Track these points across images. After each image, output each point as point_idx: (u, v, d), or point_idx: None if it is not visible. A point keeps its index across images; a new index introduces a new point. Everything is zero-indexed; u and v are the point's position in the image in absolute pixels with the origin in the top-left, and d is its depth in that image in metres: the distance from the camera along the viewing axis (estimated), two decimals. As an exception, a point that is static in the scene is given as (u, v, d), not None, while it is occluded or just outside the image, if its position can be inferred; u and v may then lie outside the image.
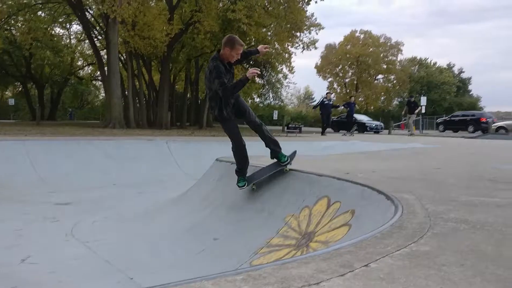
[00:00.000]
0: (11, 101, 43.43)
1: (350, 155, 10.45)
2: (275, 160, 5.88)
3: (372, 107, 58.37)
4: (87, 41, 37.69)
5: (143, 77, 32.28)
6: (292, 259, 2.01)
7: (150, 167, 11.56)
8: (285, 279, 1.68)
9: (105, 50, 29.07)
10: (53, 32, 35.59)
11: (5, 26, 31.00)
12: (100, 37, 31.83)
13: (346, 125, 26.07)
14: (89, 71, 47.26)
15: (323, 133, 22.30)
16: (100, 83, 48.78)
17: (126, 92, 29.44)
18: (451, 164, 8.01)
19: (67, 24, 38.64)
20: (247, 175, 5.82)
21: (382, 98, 61.43)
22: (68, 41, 42.97)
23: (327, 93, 22.43)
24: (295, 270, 1.80)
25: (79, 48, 43.61)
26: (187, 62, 34.52)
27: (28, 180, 9.81)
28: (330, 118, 23.26)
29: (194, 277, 1.74)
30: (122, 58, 31.01)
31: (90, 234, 6.31)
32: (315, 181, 5.33)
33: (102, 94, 56.17)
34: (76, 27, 39.63)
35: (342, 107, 26.64)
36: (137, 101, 30.27)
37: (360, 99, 57.51)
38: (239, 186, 5.73)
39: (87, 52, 42.61)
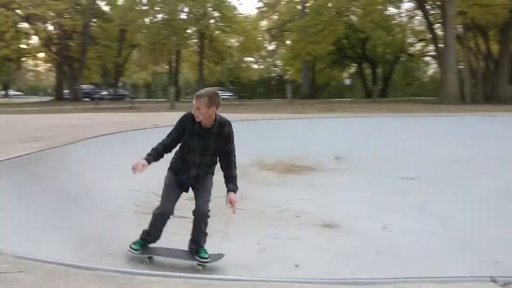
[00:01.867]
0: (348, 81, 47.42)
1: None
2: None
3: None
4: (417, 17, 37.48)
5: (478, 49, 29.98)
6: None
7: (494, 145, 10.67)
8: None
9: (438, 25, 28.29)
10: (386, 12, 36.80)
11: (346, 12, 33.88)
12: (433, 12, 31.12)
13: None
14: (419, 48, 47.00)
15: None
16: (429, 59, 47.97)
17: (461, 66, 27.97)
18: None
19: (399, 2, 39.28)
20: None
21: None
22: (399, 19, 43.72)
23: None
24: None
25: (409, 25, 43.83)
26: (533, 26, 30.08)
27: (373, 153, 10.43)
28: None
29: None
30: (457, 31, 29.53)
31: (442, 211, 6.35)
32: None
33: (431, 70, 55.08)
34: (408, 4, 39.89)
35: None
36: (473, 75, 28.37)
37: None
38: (131, 249, 4.17)
39: (418, 29, 42.38)
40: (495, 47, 30.31)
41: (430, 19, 28.71)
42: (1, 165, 4.58)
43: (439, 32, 27.69)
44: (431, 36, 28.40)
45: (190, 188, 4.28)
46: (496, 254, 4.55)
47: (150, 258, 4.22)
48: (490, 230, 5.39)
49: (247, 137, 10.23)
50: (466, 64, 26.79)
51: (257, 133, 10.48)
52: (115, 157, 6.54)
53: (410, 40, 46.40)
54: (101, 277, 2.28)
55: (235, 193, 4.11)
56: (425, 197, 7.10)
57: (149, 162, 4.04)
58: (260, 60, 55.42)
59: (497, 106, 20.42)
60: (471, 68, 27.93)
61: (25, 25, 34.89)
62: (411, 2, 34.43)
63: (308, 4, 37.03)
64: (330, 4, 31.98)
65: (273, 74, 60.26)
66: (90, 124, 9.80)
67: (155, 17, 37.55)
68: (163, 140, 4.26)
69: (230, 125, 4.17)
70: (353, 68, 53.55)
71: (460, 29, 27.54)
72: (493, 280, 1.86)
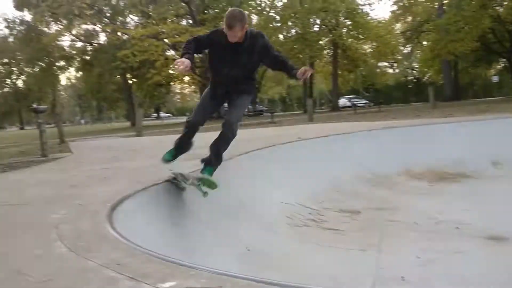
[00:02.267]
0: (495, 79, 43.30)
1: None
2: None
3: None
4: None
5: None
6: None
7: None
8: None
9: None
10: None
11: (491, 3, 31.11)
12: None
13: None
14: None
15: None
16: None
17: None
18: None
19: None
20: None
21: None
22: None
23: None
24: None
25: None
26: None
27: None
28: None
29: None
30: None
31: None
32: None
33: None
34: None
35: None
36: None
37: None
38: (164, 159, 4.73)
39: None
40: None
41: None
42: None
43: None
44: None
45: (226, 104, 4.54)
46: None
47: (174, 179, 4.61)
48: None
49: (392, 145, 9.93)
50: None
51: (402, 141, 10.07)
52: (265, 171, 6.80)
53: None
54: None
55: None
56: None
57: (191, 61, 4.07)
58: (395, 64, 53.48)
59: None
60: None
61: (172, 52, 38.21)
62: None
63: (446, 1, 34.83)
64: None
65: (410, 77, 57.72)
66: (237, 139, 10.34)
67: (289, 32, 38.46)
68: (192, 39, 4.33)
69: (263, 35, 4.32)
70: (501, 64, 48.88)
71: None
72: None
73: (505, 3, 30.68)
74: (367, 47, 41.06)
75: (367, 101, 40.46)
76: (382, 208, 6.89)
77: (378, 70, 51.50)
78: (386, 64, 52.26)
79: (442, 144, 9.93)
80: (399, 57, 48.74)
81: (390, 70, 56.80)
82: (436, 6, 36.76)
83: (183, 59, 3.96)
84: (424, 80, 53.42)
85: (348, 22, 37.41)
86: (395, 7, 40.65)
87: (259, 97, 51.64)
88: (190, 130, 4.48)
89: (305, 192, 6.88)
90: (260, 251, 4.56)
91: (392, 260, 4.70)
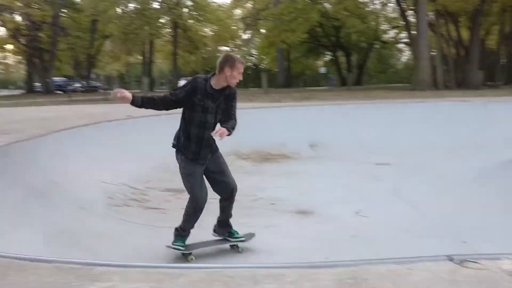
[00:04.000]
0: (323, 70, 47.61)
1: None
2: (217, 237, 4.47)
3: None
4: (391, 4, 37.76)
5: (450, 35, 30.44)
6: None
7: (465, 130, 10.87)
8: None
9: (411, 11, 28.56)
10: (360, -1, 36.99)
11: (319, 0, 33.93)
12: (405, -1, 31.46)
13: None
14: (393, 35, 47.48)
15: None
16: (402, 45, 48.49)
17: (434, 53, 28.36)
18: None
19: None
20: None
21: None
22: (373, 6, 43.98)
23: None
24: None
25: (383, 12, 44.18)
26: (502, 13, 30.60)
27: (348, 140, 10.48)
28: None
29: None
30: (429, 18, 29.88)
31: (413, 195, 6.46)
32: None
33: (404, 57, 55.74)
34: (381, -9, 40.10)
35: None
36: (445, 61, 28.82)
37: None
38: (176, 245, 4.09)
39: (391, 16, 42.73)
40: (465, 34, 30.81)
41: (402, 6, 28.99)
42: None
43: (412, 19, 27.97)
44: (404, 23, 28.68)
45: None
46: (464, 235, 4.66)
47: (192, 254, 4.14)
48: (459, 212, 5.50)
49: (223, 126, 10.25)
50: (438, 51, 27.19)
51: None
52: (88, 149, 6.45)
53: (384, 27, 46.79)
54: (60, 269, 2.25)
55: (228, 130, 3.83)
56: (398, 182, 7.22)
57: (134, 100, 3.77)
58: (236, 49, 55.17)
59: (468, 91, 20.83)
60: (443, 55, 28.36)
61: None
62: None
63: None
64: (304, -8, 32.00)
65: (249, 63, 60.11)
66: (63, 116, 9.61)
67: (127, 7, 36.89)
68: (168, 95, 3.94)
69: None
70: (328, 57, 53.77)
71: (432, 16, 27.91)
72: (450, 258, 1.91)
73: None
74: (208, 30, 41.51)
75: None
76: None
77: (219, 54, 52.47)
78: (227, 48, 53.59)
79: (267, 128, 10.54)
80: (239, 43, 50.40)
81: (231, 55, 58.40)
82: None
83: (128, 93, 3.76)
84: (261, 67, 56.14)
85: (189, 3, 37.32)
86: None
87: (95, 72, 48.79)
88: (200, 213, 4.05)
89: (131, 172, 6.72)
90: (71, 232, 4.31)
91: (208, 237, 4.86)
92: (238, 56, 4.10)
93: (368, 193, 6.61)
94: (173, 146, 4.10)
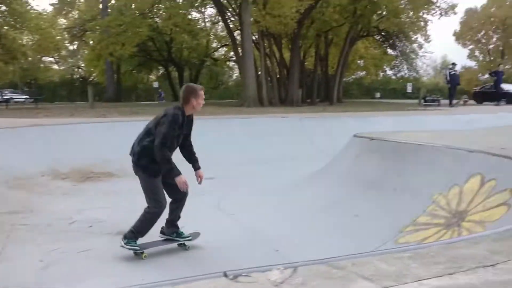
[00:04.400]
0: (155, 84, 47.26)
1: (499, 129, 9.58)
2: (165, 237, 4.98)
3: (523, 76, 52.28)
4: (220, 23, 39.29)
5: (274, 55, 32.85)
6: (459, 238, 1.93)
7: (284, 144, 11.76)
8: (455, 258, 1.62)
9: (238, 31, 30.07)
10: (190, 16, 37.70)
11: (150, 14, 33.64)
12: (233, 19, 33.01)
13: (492, 96, 24.05)
14: (223, 53, 49.43)
15: (450, 104, 22.14)
16: (233, 63, 50.76)
17: (259, 72, 30.26)
18: None
19: (202, 8, 40.64)
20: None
21: (536, 64, 54.63)
22: (203, 24, 45.26)
23: (452, 64, 23.15)
24: (465, 250, 1.73)
25: (213, 30, 45.75)
26: (317, 37, 34.26)
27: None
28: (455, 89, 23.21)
29: (348, 254, 1.77)
30: (254, 38, 31.85)
31: (234, 208, 6.70)
32: (464, 158, 5.01)
33: (236, 75, 58.43)
34: (210, 10, 41.47)
35: (489, 76, 25.20)
36: (269, 79, 30.95)
37: (507, 66, 51.81)
38: (128, 245, 4.57)
39: (221, 34, 44.47)
40: (287, 55, 33.62)
41: (230, 26, 30.37)
42: None
43: (239, 37, 29.47)
44: (231, 42, 30.02)
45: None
46: (278, 244, 4.99)
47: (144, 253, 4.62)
48: (275, 222, 5.88)
49: (38, 145, 9.41)
50: (262, 69, 29.10)
51: (50, 141, 9.69)
52: None
53: (214, 45, 48.48)
54: None
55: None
56: (221, 196, 7.41)
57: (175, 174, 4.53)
58: (61, 60, 51.65)
59: (290, 108, 22.67)
60: (267, 73, 30.43)
61: None
62: (213, 8, 35.90)
63: (110, 4, 35.80)
64: (133, 5, 31.37)
65: (77, 76, 56.78)
66: None
67: None
68: (165, 145, 4.44)
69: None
70: (160, 71, 53.69)
71: (256, 36, 29.79)
72: (225, 274, 1.99)
73: (163, 14, 33.60)
74: (27, 39, 38.03)
75: (27, 97, 37.50)
76: (16, 211, 6.39)
77: (42, 65, 48.59)
78: (51, 59, 49.88)
79: (92, 144, 10.02)
80: (64, 54, 47.30)
81: (56, 66, 54.54)
82: (101, 6, 37.25)
83: (184, 178, 4.56)
84: (90, 79, 53.45)
85: (3, 8, 33.75)
86: (55, 0, 38.93)
87: None
88: (158, 218, 4.71)
89: None
90: None
91: (12, 268, 4.37)
92: (195, 84, 4.99)
93: (190, 209, 6.64)
94: (134, 162, 4.66)
